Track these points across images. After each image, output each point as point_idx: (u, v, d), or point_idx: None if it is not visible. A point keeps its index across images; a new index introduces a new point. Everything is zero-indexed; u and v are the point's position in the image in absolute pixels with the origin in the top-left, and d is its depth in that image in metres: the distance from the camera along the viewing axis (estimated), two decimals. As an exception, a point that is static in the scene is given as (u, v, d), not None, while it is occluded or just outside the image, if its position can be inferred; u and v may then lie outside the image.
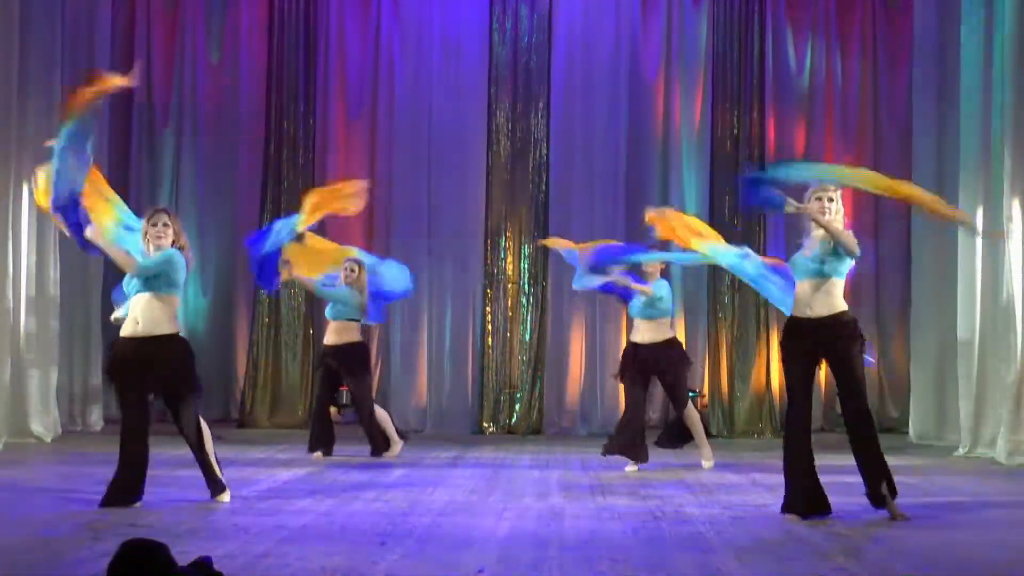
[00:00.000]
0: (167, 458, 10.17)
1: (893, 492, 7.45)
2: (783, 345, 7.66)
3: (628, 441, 10.16)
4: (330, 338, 11.18)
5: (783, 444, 7.69)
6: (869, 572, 5.79)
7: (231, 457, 10.75)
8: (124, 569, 4.28)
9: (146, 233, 7.73)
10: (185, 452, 11.00)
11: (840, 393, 7.62)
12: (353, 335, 11.14)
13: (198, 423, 7.91)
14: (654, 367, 10.23)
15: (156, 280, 7.63)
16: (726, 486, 9.12)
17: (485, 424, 14.17)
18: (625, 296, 10.36)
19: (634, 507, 7.90)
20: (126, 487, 7.59)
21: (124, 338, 7.69)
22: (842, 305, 7.48)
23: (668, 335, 10.31)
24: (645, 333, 10.23)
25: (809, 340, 7.45)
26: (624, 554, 6.16)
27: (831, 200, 7.47)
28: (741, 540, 6.64)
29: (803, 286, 7.50)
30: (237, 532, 6.62)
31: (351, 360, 11.13)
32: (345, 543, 6.34)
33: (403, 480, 9.26)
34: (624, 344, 11.02)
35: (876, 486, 7.43)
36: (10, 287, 11.75)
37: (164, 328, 7.65)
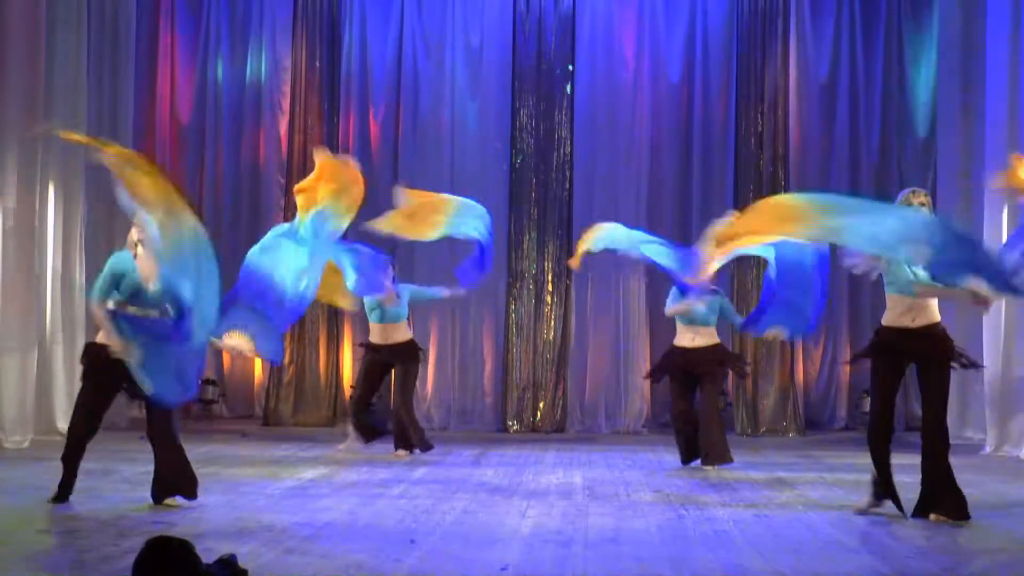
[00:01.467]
0: (191, 456, 10.19)
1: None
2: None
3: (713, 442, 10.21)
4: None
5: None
6: (894, 570, 5.77)
7: (255, 455, 10.79)
8: (150, 566, 4.30)
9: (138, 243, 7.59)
10: (209, 450, 11.07)
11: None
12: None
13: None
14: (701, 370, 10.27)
15: None
16: (750, 484, 9.10)
17: (509, 422, 14.17)
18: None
19: (658, 505, 7.90)
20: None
21: None
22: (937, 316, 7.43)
23: (716, 340, 10.35)
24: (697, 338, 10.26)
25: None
26: (648, 552, 6.16)
27: (923, 205, 7.42)
28: (765, 538, 6.62)
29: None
30: (261, 530, 6.63)
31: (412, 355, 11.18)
32: (369, 540, 6.35)
33: (427, 478, 9.27)
34: (651, 342, 10.97)
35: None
36: (36, 287, 11.80)
37: None
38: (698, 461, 10.15)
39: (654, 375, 10.73)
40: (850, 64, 14.76)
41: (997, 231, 11.80)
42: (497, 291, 14.43)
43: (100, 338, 7.53)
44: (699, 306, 10.13)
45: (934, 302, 7.36)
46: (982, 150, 12.26)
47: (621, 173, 14.50)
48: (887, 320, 7.40)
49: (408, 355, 11.08)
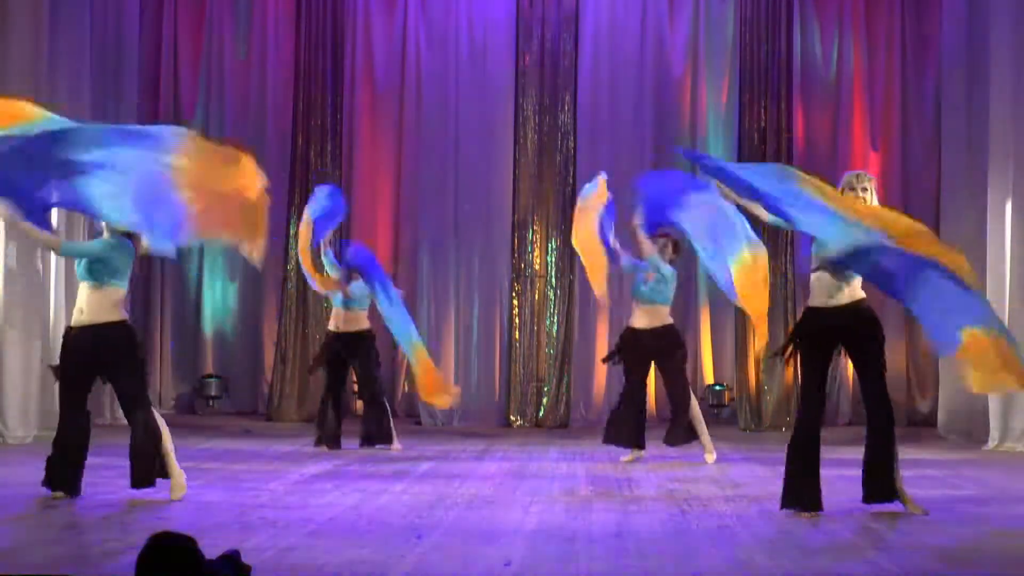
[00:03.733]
0: (194, 452, 10.21)
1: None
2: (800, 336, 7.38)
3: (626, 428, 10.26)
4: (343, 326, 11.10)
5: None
6: (897, 566, 5.76)
7: (259, 450, 10.79)
8: (153, 563, 4.29)
9: None
10: (213, 446, 11.07)
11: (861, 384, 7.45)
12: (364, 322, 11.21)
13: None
14: (654, 354, 10.26)
15: (98, 268, 7.54)
16: (753, 479, 9.10)
17: (512, 417, 14.17)
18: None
19: (661, 500, 7.89)
20: (58, 473, 7.61)
21: (71, 327, 7.65)
22: (861, 293, 7.36)
23: (667, 321, 10.31)
24: (643, 318, 10.25)
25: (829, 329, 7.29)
26: (651, 547, 6.15)
27: (864, 190, 7.38)
28: (768, 533, 6.62)
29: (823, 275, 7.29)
30: (265, 525, 6.63)
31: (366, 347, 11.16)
32: (373, 536, 6.34)
33: (430, 473, 9.27)
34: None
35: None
36: (39, 282, 11.80)
37: (109, 316, 7.55)
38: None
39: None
40: (853, 57, 14.75)
41: (1001, 227, 11.78)
42: (500, 286, 14.44)
43: (74, 321, 7.60)
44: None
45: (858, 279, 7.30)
46: (986, 147, 12.23)
47: (625, 167, 14.44)
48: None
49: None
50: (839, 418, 14.41)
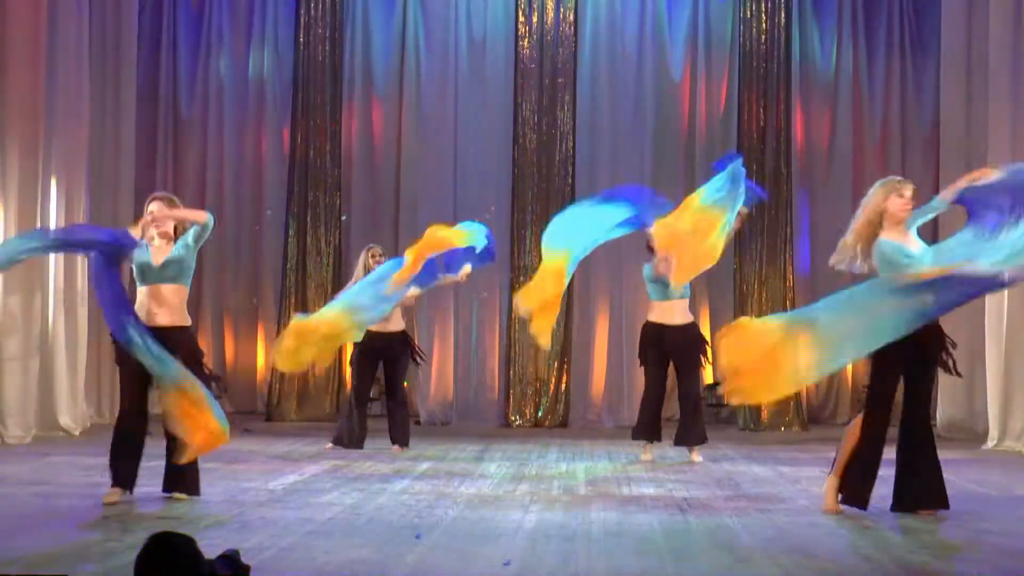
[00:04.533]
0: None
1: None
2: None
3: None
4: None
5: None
6: (898, 565, 5.76)
7: (258, 450, 10.78)
8: (152, 562, 4.28)
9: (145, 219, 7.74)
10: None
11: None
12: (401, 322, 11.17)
13: None
14: (676, 350, 10.30)
15: (186, 271, 7.72)
16: (752, 479, 9.10)
17: (511, 417, 14.17)
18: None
19: (660, 499, 7.90)
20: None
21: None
22: None
23: (691, 318, 10.51)
24: (670, 314, 10.28)
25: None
26: (650, 546, 6.15)
27: (903, 198, 7.40)
28: (767, 532, 6.62)
29: None
30: (264, 525, 6.63)
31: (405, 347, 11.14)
32: (372, 536, 6.34)
33: (430, 473, 9.27)
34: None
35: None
36: (38, 280, 11.79)
37: (186, 319, 7.76)
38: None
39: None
40: (852, 57, 14.75)
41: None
42: (500, 286, 14.43)
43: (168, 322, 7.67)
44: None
45: None
46: (986, 147, 12.23)
47: (624, 167, 14.48)
48: None
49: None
50: (839, 418, 14.42)
